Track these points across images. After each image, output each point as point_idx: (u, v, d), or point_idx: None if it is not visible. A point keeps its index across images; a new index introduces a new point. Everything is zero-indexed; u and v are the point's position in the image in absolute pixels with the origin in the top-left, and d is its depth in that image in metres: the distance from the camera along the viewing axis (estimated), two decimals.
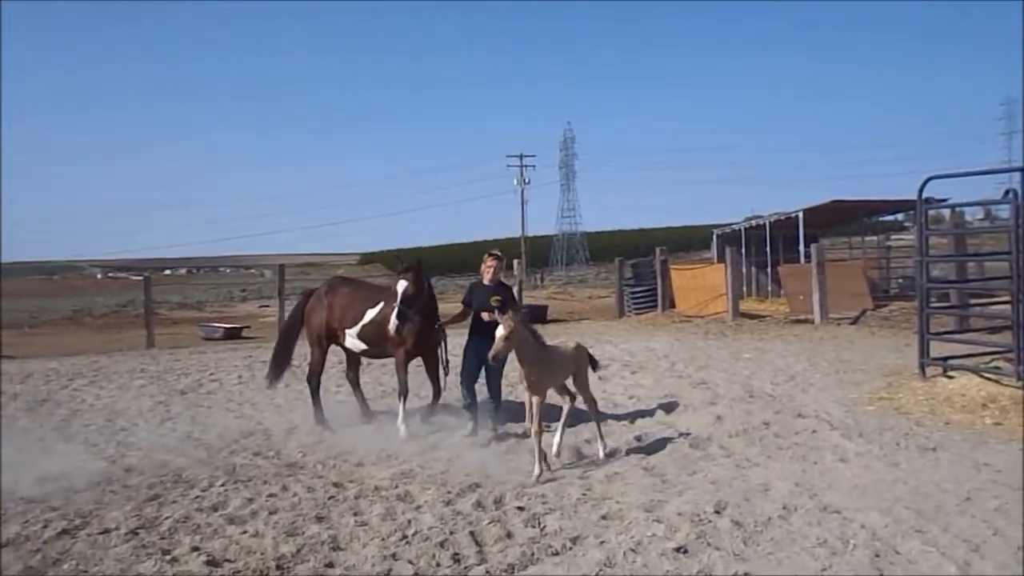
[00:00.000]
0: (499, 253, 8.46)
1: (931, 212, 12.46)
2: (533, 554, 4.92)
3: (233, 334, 22.20)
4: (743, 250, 26.19)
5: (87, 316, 35.24)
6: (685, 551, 4.78)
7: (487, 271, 8.27)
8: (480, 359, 7.89)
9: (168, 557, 5.02)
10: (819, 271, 18.28)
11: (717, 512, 5.44)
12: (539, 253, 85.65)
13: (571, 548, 5.02)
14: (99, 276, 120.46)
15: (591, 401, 7.40)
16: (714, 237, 29.60)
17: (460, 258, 78.90)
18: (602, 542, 5.06)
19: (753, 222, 28.73)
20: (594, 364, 7.57)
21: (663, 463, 7.01)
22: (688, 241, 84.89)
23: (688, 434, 7.92)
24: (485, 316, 7.87)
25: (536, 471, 6.60)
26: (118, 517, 5.84)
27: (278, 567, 4.81)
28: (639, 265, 25.50)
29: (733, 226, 30.37)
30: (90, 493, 6.58)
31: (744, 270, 25.63)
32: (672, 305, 23.08)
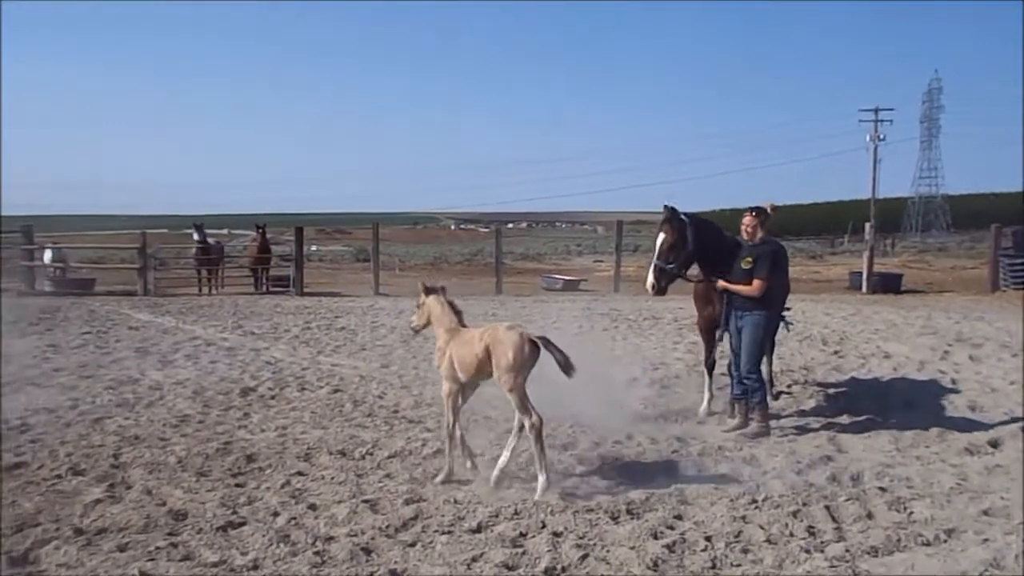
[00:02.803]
0: (762, 206, 7.08)
1: None
2: (900, 540, 4.49)
3: (572, 286, 23.29)
4: None
5: (444, 262, 39.44)
6: None
7: (744, 229, 7.10)
8: (737, 338, 7.00)
9: (527, 486, 5.41)
10: None
11: None
12: (890, 217, 77.60)
13: (946, 540, 4.51)
14: (453, 227, 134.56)
15: (523, 411, 5.22)
16: None
17: (804, 220, 74.96)
18: (985, 539, 4.48)
19: None
20: (563, 365, 5.14)
21: None
22: None
23: None
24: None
25: (443, 474, 5.58)
26: (482, 443, 6.44)
27: (628, 511, 4.93)
28: (1021, 233, 22.00)
29: None
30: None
31: None
32: None
